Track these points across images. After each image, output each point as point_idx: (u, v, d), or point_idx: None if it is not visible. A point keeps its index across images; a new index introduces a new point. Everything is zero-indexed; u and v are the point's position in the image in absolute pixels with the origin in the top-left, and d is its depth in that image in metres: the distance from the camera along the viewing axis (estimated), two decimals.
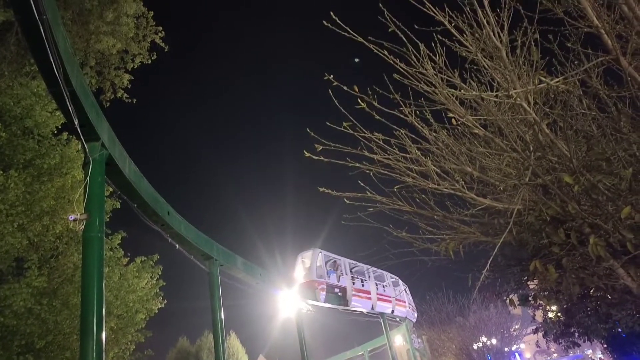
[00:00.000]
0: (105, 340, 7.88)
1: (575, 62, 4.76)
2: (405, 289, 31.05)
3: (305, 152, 4.81)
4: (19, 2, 6.51)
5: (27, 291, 8.33)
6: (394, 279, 30.23)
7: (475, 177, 4.88)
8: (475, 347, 29.74)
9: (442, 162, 5.04)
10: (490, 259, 4.03)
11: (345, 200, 5.61)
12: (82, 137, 8.81)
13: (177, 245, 13.45)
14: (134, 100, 12.97)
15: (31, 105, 10.54)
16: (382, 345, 35.01)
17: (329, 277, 21.71)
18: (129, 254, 12.28)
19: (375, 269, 27.70)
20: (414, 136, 5.12)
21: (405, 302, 30.59)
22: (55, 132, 11.48)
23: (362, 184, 5.58)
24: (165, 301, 12.93)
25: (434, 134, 5.17)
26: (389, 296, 27.73)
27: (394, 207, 5.63)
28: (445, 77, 5.07)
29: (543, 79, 4.22)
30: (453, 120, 5.16)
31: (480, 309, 26.66)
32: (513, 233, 4.68)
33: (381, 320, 29.82)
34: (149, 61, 13.22)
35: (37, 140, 10.96)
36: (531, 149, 4.36)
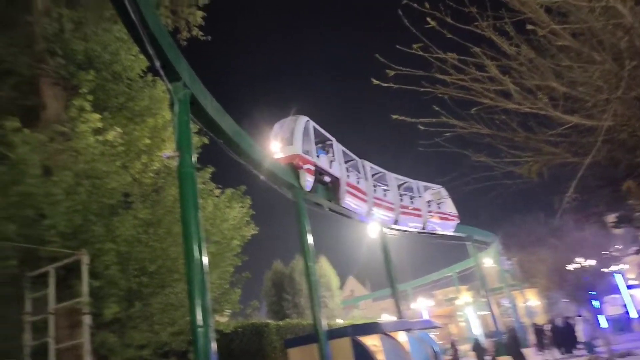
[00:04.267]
0: (207, 264, 8.72)
1: None
2: (444, 202, 25.58)
3: (374, 80, 4.66)
4: None
5: (134, 222, 9.32)
6: (434, 188, 25.48)
7: (561, 93, 4.45)
8: (569, 268, 28.71)
9: (524, 79, 4.64)
10: (576, 180, 3.76)
11: (420, 126, 5.45)
12: (164, 77, 9.26)
13: (261, 176, 14.17)
14: (209, 38, 13.25)
15: (116, 50, 11.15)
16: (472, 267, 35.13)
17: (318, 157, 16.04)
18: (220, 186, 13.09)
19: (399, 176, 23.39)
20: (491, 53, 4.72)
21: (449, 214, 25.70)
22: (142, 74, 12.13)
23: (437, 109, 5.36)
24: (258, 228, 13.80)
25: (515, 48, 4.72)
26: (417, 209, 23.41)
27: (472, 131, 5.38)
28: None
29: None
30: (537, 30, 4.66)
31: (574, 230, 25.40)
32: (603, 152, 4.31)
33: (469, 243, 29.71)
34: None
35: (126, 84, 11.70)
36: (626, 57, 3.85)
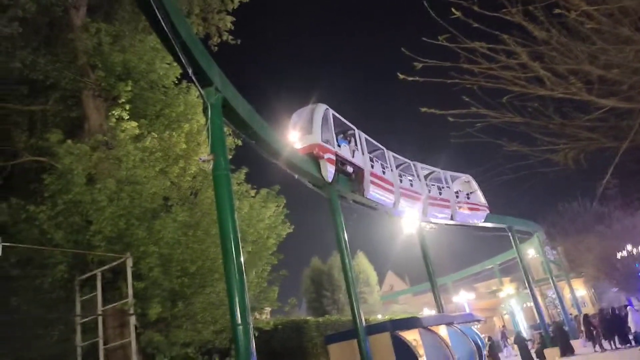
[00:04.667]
0: (245, 263, 8.91)
1: None
2: (474, 192, 24.53)
3: (399, 74, 4.66)
4: None
5: (174, 225, 9.63)
6: (462, 178, 24.61)
7: (596, 76, 4.32)
8: (619, 256, 27.59)
9: (556, 65, 4.52)
10: (613, 166, 3.65)
11: (450, 118, 5.40)
12: (197, 83, 9.50)
13: (296, 175, 14.30)
14: (239, 42, 13.49)
15: (152, 59, 11.53)
16: (513, 258, 34.27)
17: (339, 146, 15.33)
18: (255, 186, 13.31)
19: (426, 166, 22.38)
20: (521, 40, 4.62)
21: (478, 205, 24.54)
22: (176, 81, 12.49)
23: (468, 99, 5.29)
24: (294, 226, 13.96)
25: (546, 32, 4.60)
26: (445, 200, 22.39)
27: (504, 120, 5.28)
28: None
29: None
30: (568, 13, 4.53)
31: (623, 216, 24.31)
32: None
33: (509, 234, 28.98)
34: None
35: (162, 91, 12.08)
36: None
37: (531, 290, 26.59)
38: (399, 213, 20.39)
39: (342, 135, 16.67)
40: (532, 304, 27.62)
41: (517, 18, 4.77)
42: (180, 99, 12.22)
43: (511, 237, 28.11)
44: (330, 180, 14.47)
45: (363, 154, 16.87)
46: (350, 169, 16.00)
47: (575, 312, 31.59)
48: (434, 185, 22.06)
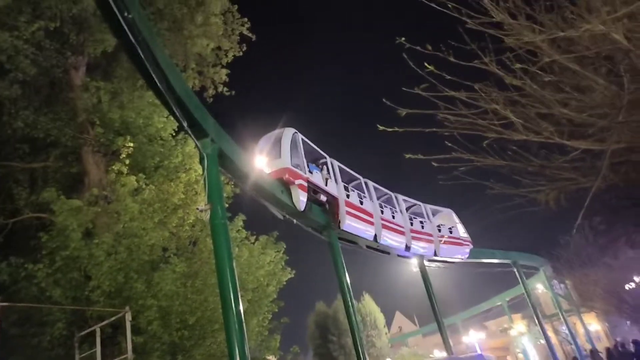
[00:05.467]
0: (245, 312, 8.87)
1: None
2: (455, 226, 23.40)
3: (379, 126, 4.86)
4: (115, 28, 7.38)
5: (172, 276, 9.66)
6: (443, 212, 23.52)
7: (566, 120, 4.51)
8: (627, 288, 27.12)
9: (528, 109, 4.73)
10: (584, 209, 3.76)
11: (434, 163, 5.56)
12: (193, 136, 9.77)
13: (294, 220, 14.38)
14: (233, 92, 13.98)
15: (150, 114, 11.92)
16: (522, 294, 33.66)
17: (310, 173, 14.32)
18: (254, 233, 13.37)
19: (407, 198, 21.28)
20: (494, 89, 4.86)
21: (461, 239, 23.37)
22: (174, 133, 12.83)
23: (450, 144, 5.47)
24: (294, 271, 13.92)
25: (518, 80, 4.83)
26: (428, 234, 21.35)
27: (486, 163, 5.45)
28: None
29: None
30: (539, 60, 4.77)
31: (629, 248, 24.06)
32: (620, 173, 4.27)
33: (514, 269, 28.63)
34: (241, 53, 14.04)
35: (160, 144, 12.39)
36: (626, 81, 3.90)
37: (541, 326, 26.02)
38: (405, 253, 20.14)
39: (314, 163, 15.69)
40: (544, 340, 26.95)
41: (492, 67, 5.02)
42: (178, 150, 12.51)
43: (517, 273, 27.78)
44: (302, 209, 13.46)
45: (337, 182, 15.86)
46: (323, 198, 15.02)
47: (590, 347, 30.72)
48: (415, 218, 21.00)
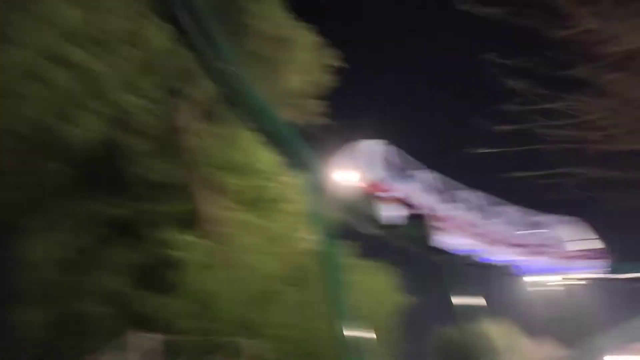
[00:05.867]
0: (360, 338, 8.75)
1: None
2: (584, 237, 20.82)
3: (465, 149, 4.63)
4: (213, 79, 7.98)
5: (287, 306, 9.91)
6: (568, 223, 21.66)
7: None
8: None
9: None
10: None
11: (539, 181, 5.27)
12: (295, 169, 10.18)
13: (409, 245, 14.00)
14: (333, 121, 14.32)
15: (252, 151, 12.54)
16: None
17: (402, 185, 13.65)
18: (366, 258, 13.31)
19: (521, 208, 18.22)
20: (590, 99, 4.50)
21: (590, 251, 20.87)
22: (276, 167, 13.39)
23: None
24: (412, 296, 13.55)
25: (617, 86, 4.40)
26: (546, 245, 18.81)
27: (593, 176, 5.04)
28: None
29: None
30: None
31: None
32: None
33: None
34: (335, 83, 14.39)
35: (264, 177, 12.97)
36: None
37: None
38: (521, 271, 18.48)
39: (405, 173, 14.66)
40: None
41: (592, 75, 4.67)
42: (281, 183, 12.97)
43: None
44: (395, 222, 12.89)
45: (430, 194, 15.00)
46: (416, 211, 14.19)
47: None
48: (533, 230, 19.54)
